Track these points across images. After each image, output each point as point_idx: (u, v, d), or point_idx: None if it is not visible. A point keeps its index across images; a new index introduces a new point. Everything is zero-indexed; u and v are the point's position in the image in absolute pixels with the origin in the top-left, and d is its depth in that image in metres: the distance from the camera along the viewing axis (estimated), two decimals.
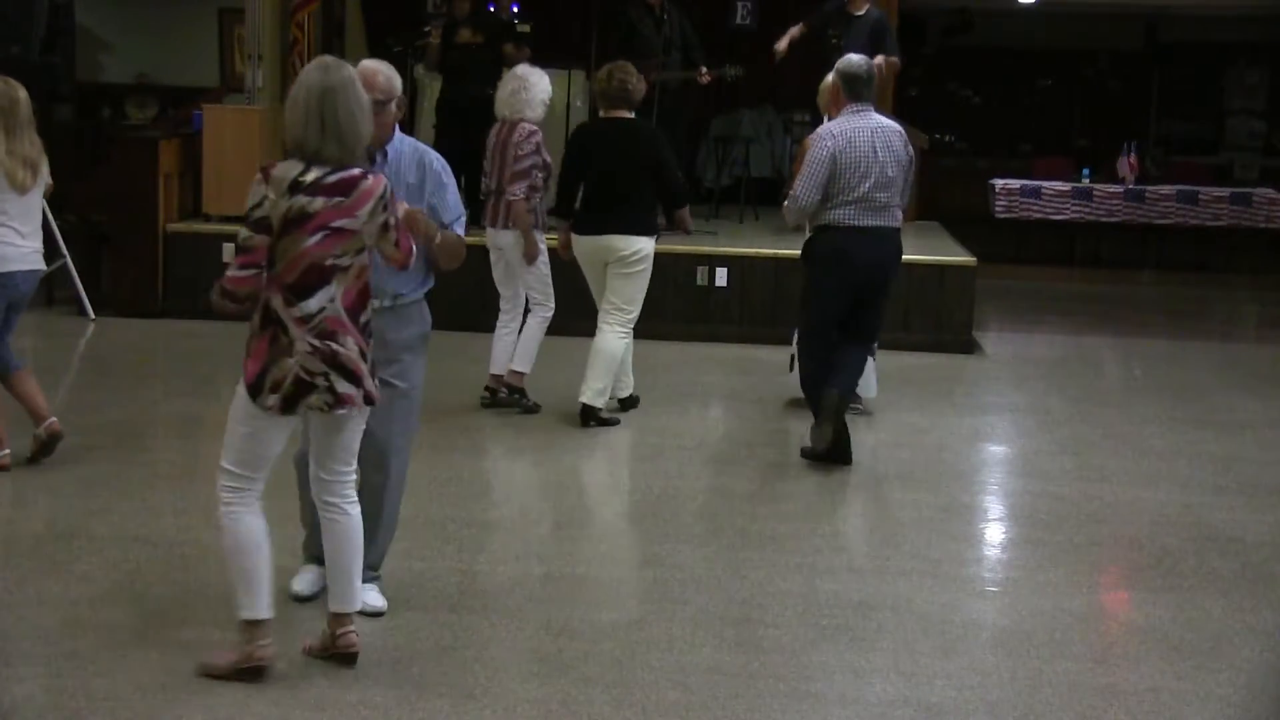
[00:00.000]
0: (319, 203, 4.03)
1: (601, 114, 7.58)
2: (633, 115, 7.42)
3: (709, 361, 9.34)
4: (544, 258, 7.69)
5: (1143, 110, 19.57)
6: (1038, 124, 19.37)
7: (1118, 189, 14.72)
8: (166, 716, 3.99)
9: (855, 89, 6.74)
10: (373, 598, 4.72)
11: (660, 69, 10.83)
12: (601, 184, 7.39)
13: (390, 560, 5.27)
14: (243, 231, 4.06)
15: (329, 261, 4.07)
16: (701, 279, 10.09)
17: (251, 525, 4.17)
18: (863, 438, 7.31)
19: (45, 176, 6.25)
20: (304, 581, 4.87)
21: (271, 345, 4.07)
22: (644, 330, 9.91)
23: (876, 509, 6.49)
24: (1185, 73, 19.60)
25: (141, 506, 5.89)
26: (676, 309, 10.04)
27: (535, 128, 7.54)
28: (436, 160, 4.76)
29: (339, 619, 4.32)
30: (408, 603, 4.88)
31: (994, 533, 6.21)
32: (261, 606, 4.17)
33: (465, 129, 10.80)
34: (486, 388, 7.82)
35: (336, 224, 4.05)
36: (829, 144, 6.66)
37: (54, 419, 6.30)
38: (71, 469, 6.41)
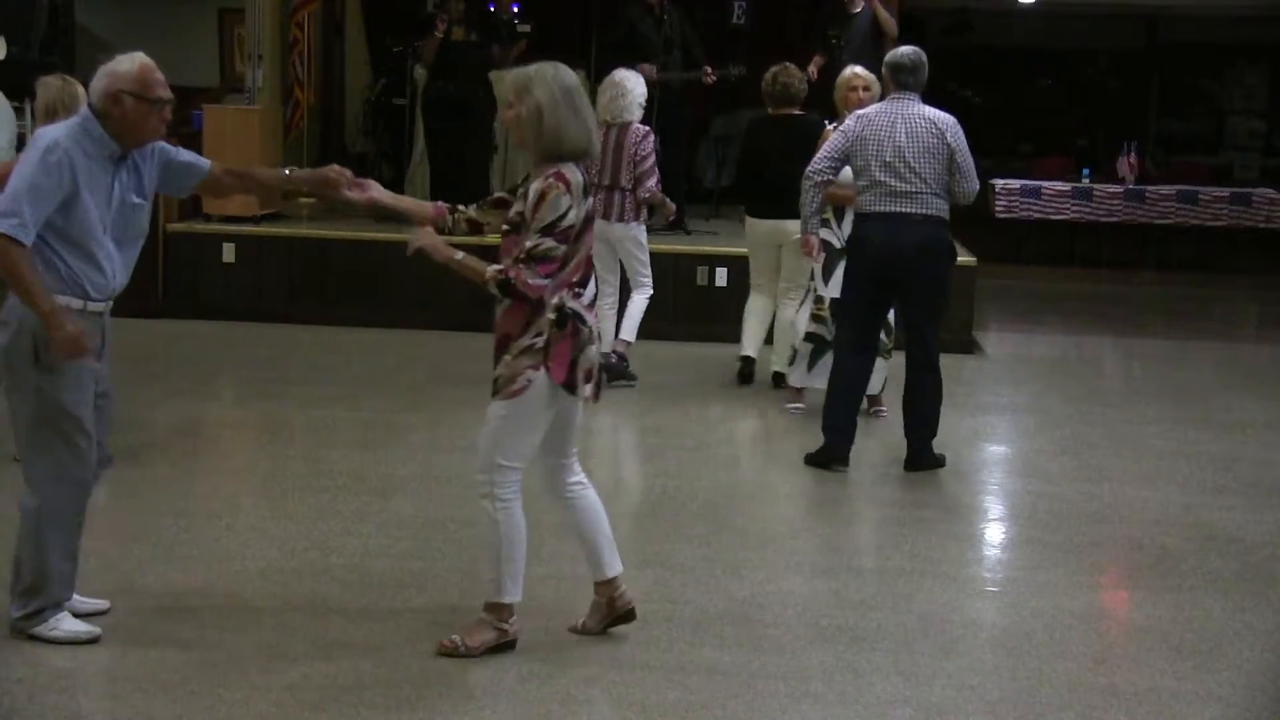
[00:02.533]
0: (590, 202, 4.36)
1: (770, 112, 8.46)
2: (799, 111, 8.34)
3: (709, 361, 9.33)
4: (647, 243, 8.53)
5: (1143, 110, 19.58)
6: (1038, 124, 19.37)
7: (1118, 189, 14.72)
8: (166, 715, 3.99)
9: (899, 78, 6.76)
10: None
11: (661, 69, 10.84)
12: (776, 173, 8.01)
13: (390, 560, 5.28)
14: (547, 241, 4.22)
15: (590, 252, 4.43)
16: (701, 279, 10.09)
17: (521, 517, 4.44)
18: (863, 437, 7.31)
19: None
20: None
21: (574, 338, 4.31)
22: (644, 330, 9.96)
23: (876, 509, 6.49)
24: (1185, 73, 19.62)
25: (140, 506, 5.89)
26: (676, 309, 10.04)
27: (648, 128, 8.38)
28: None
29: (609, 584, 4.60)
30: (408, 603, 4.89)
31: (994, 533, 6.21)
32: (518, 592, 4.45)
33: (453, 126, 10.81)
34: (615, 351, 8.45)
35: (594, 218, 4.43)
36: (849, 124, 6.78)
37: None
38: None
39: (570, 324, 4.30)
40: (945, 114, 6.73)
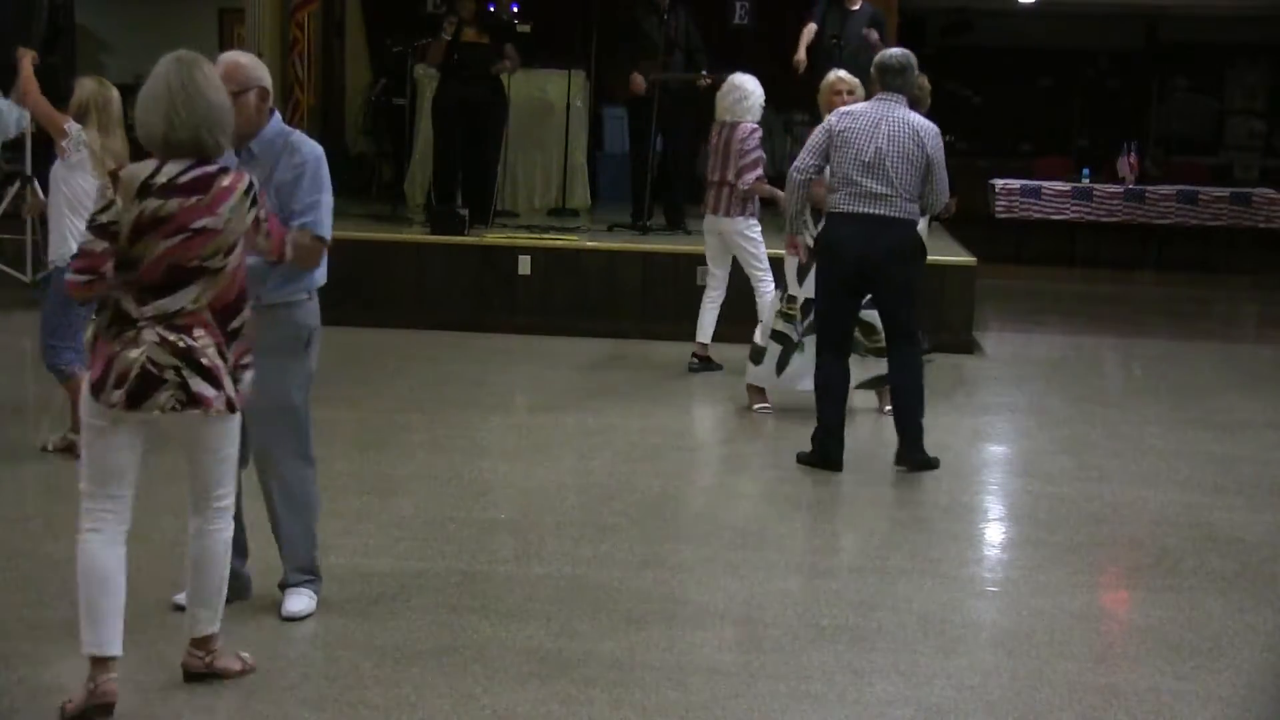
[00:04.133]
0: (174, 204, 3.80)
1: None
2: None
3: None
4: (759, 238, 8.70)
5: (1143, 110, 19.58)
6: (1038, 124, 19.37)
7: (1118, 189, 14.72)
8: (166, 715, 3.99)
9: (885, 79, 6.73)
10: (299, 603, 4.69)
11: (662, 69, 10.85)
12: None
13: (390, 560, 5.28)
14: (86, 235, 3.84)
15: (194, 263, 3.84)
16: (702, 279, 10.06)
17: (99, 555, 3.89)
18: (863, 437, 7.32)
19: None
20: None
21: (116, 341, 3.83)
22: (644, 330, 9.97)
23: (876, 509, 6.48)
24: (1185, 73, 19.62)
25: (139, 506, 5.87)
26: (677, 309, 10.03)
27: (756, 126, 8.58)
28: (310, 154, 4.49)
29: (198, 643, 4.14)
30: (408, 603, 4.89)
31: (994, 533, 6.20)
32: (105, 643, 3.87)
33: (463, 127, 10.81)
34: (694, 354, 8.92)
35: (198, 224, 3.82)
36: (831, 120, 6.75)
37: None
38: (70, 468, 6.41)
39: (117, 328, 3.83)
40: (928, 122, 6.73)
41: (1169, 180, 15.39)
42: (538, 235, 10.53)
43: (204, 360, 3.87)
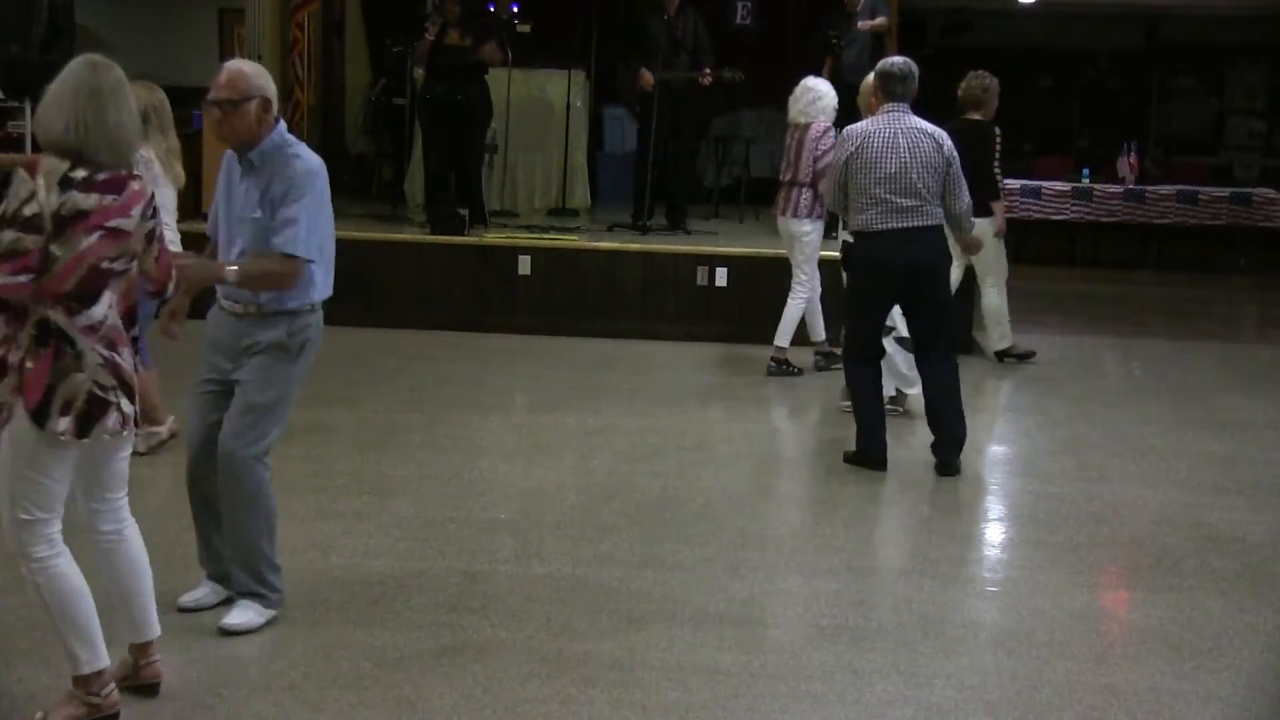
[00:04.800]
0: (93, 200, 3.66)
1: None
2: (977, 117, 9.02)
3: (709, 361, 9.34)
4: (816, 244, 8.83)
5: (1143, 110, 19.58)
6: (1038, 124, 19.37)
7: (1118, 189, 14.73)
8: (165, 715, 3.99)
9: (889, 87, 6.72)
10: (241, 616, 4.61)
11: (666, 69, 10.84)
12: None
13: (390, 560, 5.27)
14: (8, 234, 3.59)
15: (105, 264, 3.70)
16: (701, 279, 10.08)
17: (69, 572, 3.81)
18: None
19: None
20: (196, 595, 4.81)
21: (56, 362, 3.66)
22: (644, 330, 9.97)
23: (877, 509, 6.49)
24: (1185, 73, 19.61)
25: (140, 506, 5.86)
26: (676, 309, 10.05)
27: (828, 126, 8.67)
28: (301, 169, 4.48)
29: (141, 649, 4.09)
30: (408, 603, 4.89)
31: (994, 533, 6.20)
32: (102, 655, 3.85)
33: (448, 128, 10.79)
34: (772, 359, 8.93)
35: (112, 223, 3.69)
36: (846, 146, 6.71)
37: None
38: None
39: (53, 345, 3.66)
40: (937, 127, 6.76)
41: (1169, 180, 15.40)
42: (538, 235, 10.53)
43: (130, 380, 3.82)
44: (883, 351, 7.02)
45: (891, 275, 6.67)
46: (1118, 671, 4.57)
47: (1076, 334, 11.48)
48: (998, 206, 9.10)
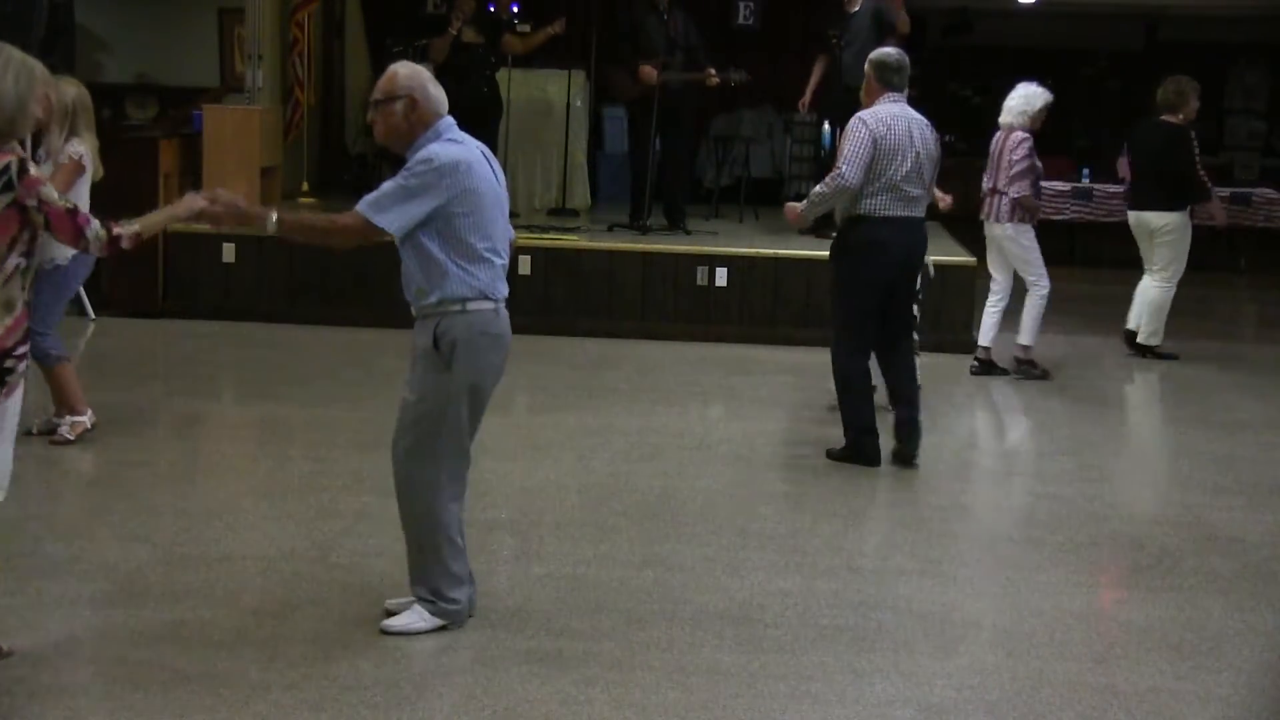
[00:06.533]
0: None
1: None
2: (1173, 119, 9.54)
3: (709, 361, 9.34)
4: (1031, 243, 9.05)
5: (1143, 110, 19.53)
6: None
7: (1118, 189, 14.70)
8: (165, 715, 3.99)
9: (886, 77, 6.73)
10: (404, 619, 4.63)
11: (663, 68, 10.83)
12: (1142, 170, 9.70)
13: (390, 560, 5.27)
14: None
15: None
16: (701, 279, 10.08)
17: None
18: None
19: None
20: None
21: None
22: (644, 330, 9.97)
23: (877, 509, 6.49)
24: (1185, 73, 19.55)
25: (141, 506, 5.89)
26: (676, 309, 10.05)
27: (1027, 135, 8.97)
28: (423, 156, 4.46)
29: None
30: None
31: (994, 533, 6.20)
32: None
33: (470, 128, 10.80)
34: (976, 358, 9.21)
35: None
36: (869, 127, 6.60)
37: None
38: (71, 469, 6.43)
39: None
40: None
41: None
42: (538, 235, 10.52)
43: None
44: (871, 347, 6.92)
45: (891, 262, 6.69)
46: (1118, 671, 4.57)
47: (1076, 334, 11.47)
48: (1214, 207, 9.74)
